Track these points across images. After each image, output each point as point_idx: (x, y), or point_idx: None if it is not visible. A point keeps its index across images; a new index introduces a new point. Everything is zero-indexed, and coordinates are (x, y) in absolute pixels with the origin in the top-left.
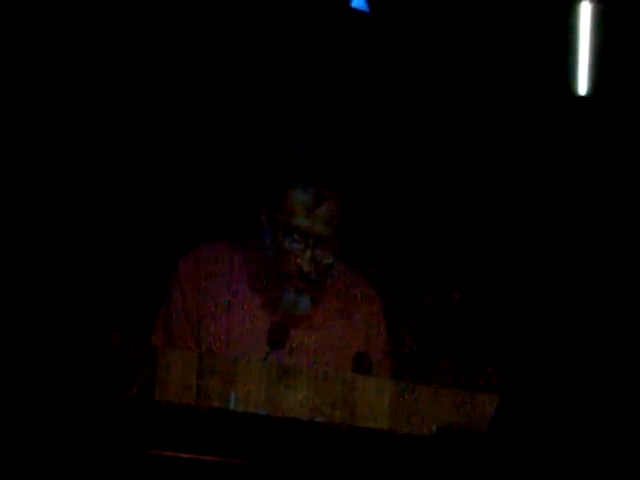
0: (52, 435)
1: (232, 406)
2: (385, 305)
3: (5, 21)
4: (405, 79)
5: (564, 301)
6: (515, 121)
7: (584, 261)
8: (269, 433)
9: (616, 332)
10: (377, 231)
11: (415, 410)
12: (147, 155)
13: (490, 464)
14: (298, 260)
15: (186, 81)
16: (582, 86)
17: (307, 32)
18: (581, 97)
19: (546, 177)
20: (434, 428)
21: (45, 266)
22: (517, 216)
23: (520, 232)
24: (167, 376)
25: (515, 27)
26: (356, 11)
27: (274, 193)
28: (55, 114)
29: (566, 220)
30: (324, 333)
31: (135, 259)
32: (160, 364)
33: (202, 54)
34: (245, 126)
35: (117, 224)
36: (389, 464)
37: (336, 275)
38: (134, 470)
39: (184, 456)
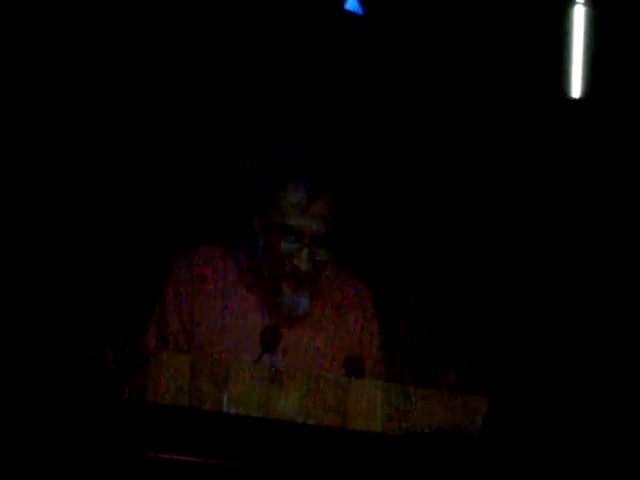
0: (44, 436)
1: (225, 408)
2: (378, 307)
3: (5, 21)
4: (398, 81)
5: (555, 304)
6: (509, 123)
7: (576, 262)
8: (262, 435)
9: (607, 334)
10: (369, 230)
11: (407, 413)
12: (140, 160)
13: (482, 466)
14: (295, 261)
15: (177, 84)
16: (576, 89)
17: (301, 33)
18: (575, 100)
19: (540, 179)
20: (426, 430)
21: (40, 266)
22: (511, 217)
23: (513, 234)
24: (160, 378)
25: (509, 30)
26: (349, 12)
27: (267, 196)
28: (49, 114)
29: (560, 222)
30: (318, 333)
31: (129, 261)
32: (153, 366)
33: (194, 55)
34: (237, 128)
35: (113, 226)
36: (381, 466)
37: (330, 275)
38: (126, 472)
39: (176, 458)
